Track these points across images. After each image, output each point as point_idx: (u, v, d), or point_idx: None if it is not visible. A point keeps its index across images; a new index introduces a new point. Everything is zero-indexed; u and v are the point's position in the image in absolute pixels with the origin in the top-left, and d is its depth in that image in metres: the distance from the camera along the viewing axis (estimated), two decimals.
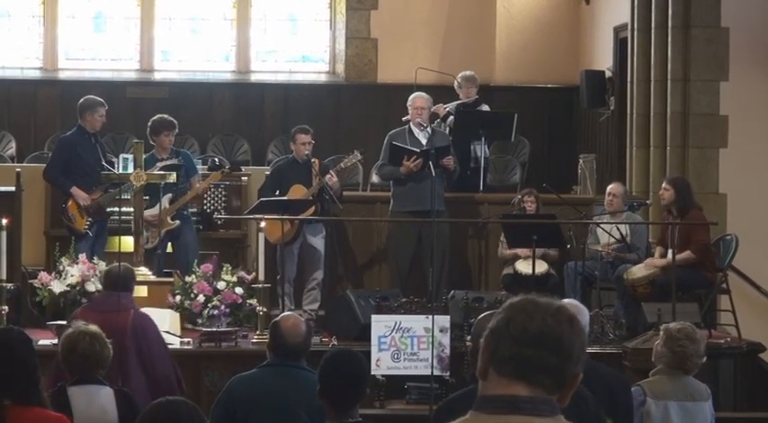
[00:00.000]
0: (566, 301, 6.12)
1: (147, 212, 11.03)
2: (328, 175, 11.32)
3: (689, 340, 6.54)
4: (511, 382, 2.63)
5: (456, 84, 12.99)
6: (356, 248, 12.23)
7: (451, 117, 12.66)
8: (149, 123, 11.43)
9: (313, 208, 11.22)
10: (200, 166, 12.47)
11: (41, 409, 4.58)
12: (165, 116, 11.46)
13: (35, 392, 4.55)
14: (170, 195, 11.21)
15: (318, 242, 11.41)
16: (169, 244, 11.36)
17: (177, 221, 11.22)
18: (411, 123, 11.70)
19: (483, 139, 12.40)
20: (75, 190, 11.09)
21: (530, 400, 2.62)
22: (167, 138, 11.33)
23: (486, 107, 12.94)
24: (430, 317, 9.23)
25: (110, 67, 15.97)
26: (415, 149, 11.33)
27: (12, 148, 14.94)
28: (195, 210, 11.81)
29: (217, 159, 13.32)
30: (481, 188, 12.36)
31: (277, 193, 11.29)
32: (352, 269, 12.19)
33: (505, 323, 2.66)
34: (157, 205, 11.13)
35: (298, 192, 11.29)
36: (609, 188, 11.55)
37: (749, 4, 12.56)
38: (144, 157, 10.89)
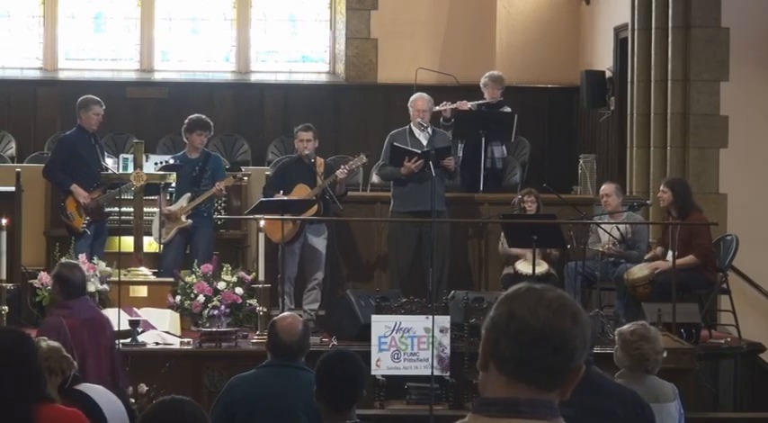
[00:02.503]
0: None
1: (170, 208, 11.23)
2: (340, 169, 11.32)
3: (644, 340, 6.51)
4: (511, 381, 2.60)
5: (482, 82, 12.92)
6: (357, 249, 12.23)
7: (442, 119, 12.58)
8: (186, 120, 11.55)
9: (315, 208, 11.22)
10: None
11: (55, 405, 4.59)
12: (203, 116, 11.61)
13: (44, 390, 4.56)
14: (189, 194, 11.28)
15: (320, 243, 11.41)
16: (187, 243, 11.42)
17: (190, 221, 11.25)
18: (412, 124, 11.70)
19: (483, 139, 12.39)
20: (75, 187, 11.10)
21: (530, 402, 2.59)
22: (199, 137, 11.43)
23: (508, 109, 12.85)
24: (430, 317, 9.24)
25: (110, 67, 15.97)
26: (416, 150, 11.33)
27: (12, 148, 14.94)
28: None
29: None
30: (481, 188, 12.37)
31: (281, 191, 11.30)
32: (352, 269, 12.19)
33: (507, 319, 2.59)
34: (178, 201, 11.26)
35: (301, 191, 11.29)
36: (601, 190, 11.56)
37: (749, 4, 12.56)
38: (177, 154, 11.30)
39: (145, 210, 10.98)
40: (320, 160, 11.57)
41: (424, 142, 11.56)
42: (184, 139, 11.56)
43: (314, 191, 11.27)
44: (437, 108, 12.21)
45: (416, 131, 11.65)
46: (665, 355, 6.64)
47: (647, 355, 6.49)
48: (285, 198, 11.22)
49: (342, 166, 11.40)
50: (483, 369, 2.64)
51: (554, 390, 2.61)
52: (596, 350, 9.74)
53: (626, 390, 5.15)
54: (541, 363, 2.58)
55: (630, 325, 6.67)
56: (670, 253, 10.82)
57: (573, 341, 2.59)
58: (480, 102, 12.78)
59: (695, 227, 10.92)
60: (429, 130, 11.69)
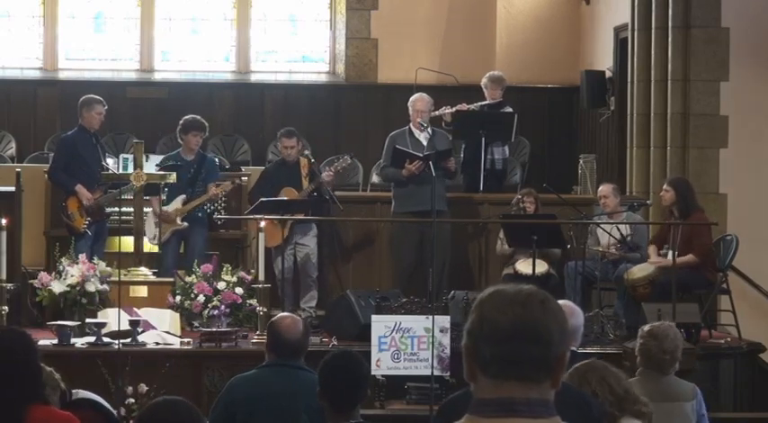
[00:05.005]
0: (559, 302, 6.12)
1: (163, 208, 11.22)
2: (326, 173, 11.35)
3: (651, 338, 6.50)
4: (499, 382, 2.61)
5: (483, 83, 12.90)
6: (356, 248, 12.23)
7: (443, 123, 12.56)
8: (181, 121, 11.57)
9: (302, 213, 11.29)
10: None
11: (49, 407, 4.59)
12: (198, 117, 11.65)
13: (40, 391, 4.56)
14: (183, 196, 11.29)
15: (310, 241, 11.46)
16: (182, 243, 11.45)
17: (185, 223, 11.26)
18: (411, 124, 11.70)
19: (482, 139, 12.39)
20: (79, 188, 11.12)
21: (526, 401, 2.60)
22: (194, 138, 11.46)
23: (509, 109, 12.83)
24: (430, 317, 9.24)
25: (110, 67, 15.97)
26: (417, 154, 11.36)
27: (12, 148, 14.94)
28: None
29: (217, 160, 13.34)
30: (481, 188, 12.37)
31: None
32: (352, 269, 12.18)
33: (479, 323, 2.63)
34: (172, 202, 11.28)
35: (288, 194, 11.32)
36: (598, 191, 11.56)
37: (749, 4, 12.56)
38: (171, 154, 11.42)
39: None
40: (303, 161, 11.58)
41: (425, 143, 11.57)
42: (179, 140, 11.61)
43: (302, 194, 11.30)
44: (437, 113, 12.23)
45: (416, 132, 11.66)
46: (678, 355, 6.60)
47: (653, 353, 6.48)
48: (285, 198, 11.24)
49: (327, 169, 11.42)
50: (472, 380, 2.66)
51: (544, 381, 2.62)
52: (596, 350, 9.78)
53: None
54: (522, 356, 2.60)
55: (655, 323, 6.70)
56: (670, 252, 10.82)
57: (547, 329, 2.62)
58: (481, 103, 12.78)
59: (696, 226, 10.92)
60: (429, 130, 11.69)
